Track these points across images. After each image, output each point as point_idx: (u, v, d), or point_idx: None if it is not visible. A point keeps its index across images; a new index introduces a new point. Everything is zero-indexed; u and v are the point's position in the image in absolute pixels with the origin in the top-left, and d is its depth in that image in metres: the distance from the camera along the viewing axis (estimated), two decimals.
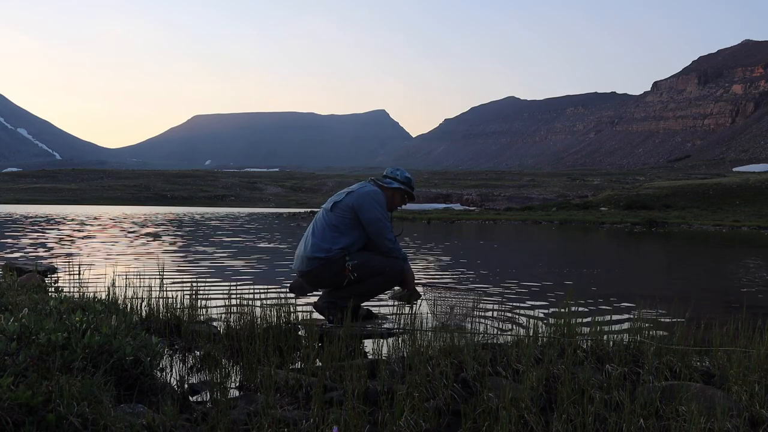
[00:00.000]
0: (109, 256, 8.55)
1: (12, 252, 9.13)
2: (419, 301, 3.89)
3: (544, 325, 3.09)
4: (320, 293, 3.95)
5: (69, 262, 7.32)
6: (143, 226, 20.30)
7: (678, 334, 2.88)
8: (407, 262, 3.79)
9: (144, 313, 3.35)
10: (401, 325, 3.57)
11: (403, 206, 4.10)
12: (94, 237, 13.50)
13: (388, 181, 3.88)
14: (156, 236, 14.33)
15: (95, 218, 27.17)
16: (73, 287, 3.73)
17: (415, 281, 3.88)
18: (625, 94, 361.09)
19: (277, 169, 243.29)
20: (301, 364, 2.64)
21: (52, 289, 3.73)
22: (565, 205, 60.78)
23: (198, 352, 2.87)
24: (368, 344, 3.20)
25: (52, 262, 7.06)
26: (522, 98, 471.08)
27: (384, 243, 3.66)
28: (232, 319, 3.16)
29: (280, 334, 2.95)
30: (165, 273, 4.43)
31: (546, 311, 4.57)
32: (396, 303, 3.95)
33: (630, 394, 2.19)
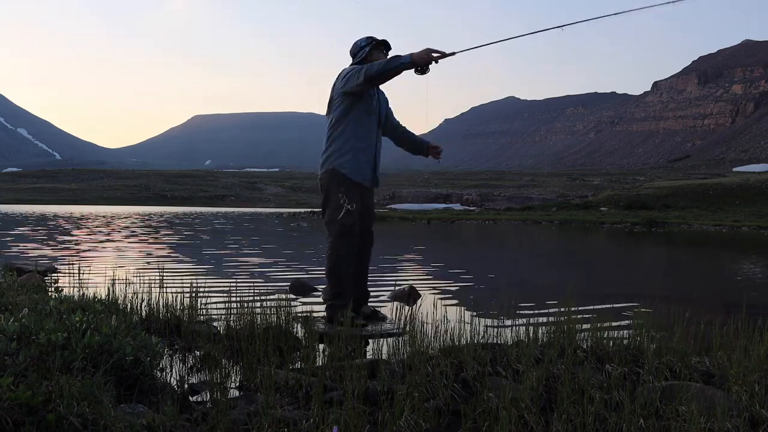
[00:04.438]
0: (109, 256, 8.55)
1: (11, 252, 9.13)
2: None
3: (544, 325, 3.09)
4: (318, 294, 3.95)
5: (69, 262, 7.32)
6: (143, 226, 20.30)
7: (678, 334, 2.88)
8: (403, 57, 3.51)
9: (144, 313, 3.34)
10: (401, 326, 3.56)
11: (388, 53, 3.92)
12: (94, 237, 13.49)
13: (358, 57, 3.85)
14: (156, 236, 14.33)
15: (90, 218, 27.18)
16: (73, 287, 3.73)
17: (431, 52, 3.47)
18: (625, 94, 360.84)
19: (277, 169, 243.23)
20: (301, 364, 2.64)
21: (52, 289, 3.72)
22: (565, 205, 60.74)
23: (198, 352, 2.87)
24: (368, 344, 3.20)
25: (52, 262, 7.06)
26: (522, 98, 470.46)
27: (373, 68, 3.56)
28: (232, 319, 3.16)
29: (280, 334, 2.95)
30: (165, 273, 4.43)
31: (546, 311, 4.57)
32: (395, 302, 3.95)
33: (630, 394, 2.19)
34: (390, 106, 4.15)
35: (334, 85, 3.87)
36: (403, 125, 4.24)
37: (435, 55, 3.47)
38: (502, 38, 3.68)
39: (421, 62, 3.47)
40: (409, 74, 3.56)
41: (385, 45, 3.89)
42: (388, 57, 3.71)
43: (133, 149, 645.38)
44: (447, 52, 3.51)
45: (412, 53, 3.51)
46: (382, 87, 3.97)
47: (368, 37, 3.88)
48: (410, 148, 4.26)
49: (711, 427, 1.89)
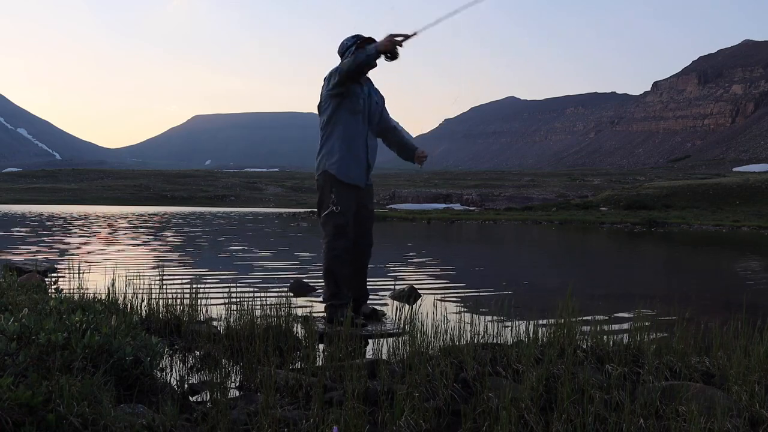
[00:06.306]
0: (109, 256, 8.55)
1: (11, 252, 9.13)
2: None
3: (544, 325, 3.09)
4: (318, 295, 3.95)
5: (69, 262, 7.31)
6: (143, 226, 20.30)
7: (678, 334, 2.88)
8: (369, 48, 3.57)
9: (144, 313, 3.34)
10: (401, 326, 3.56)
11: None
12: (94, 237, 13.49)
13: (346, 56, 3.83)
14: (156, 236, 14.33)
15: (90, 218, 27.16)
16: (73, 287, 3.73)
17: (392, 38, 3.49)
18: (625, 94, 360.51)
19: (277, 169, 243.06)
20: (301, 364, 2.64)
21: (52, 289, 3.72)
22: (565, 205, 60.69)
23: (198, 352, 2.87)
24: (368, 344, 3.20)
25: (52, 262, 7.06)
26: (522, 98, 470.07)
27: (344, 65, 3.65)
28: (232, 319, 3.16)
29: (280, 334, 2.95)
30: (165, 273, 4.43)
31: (546, 311, 4.56)
32: (395, 302, 3.95)
33: (630, 394, 2.19)
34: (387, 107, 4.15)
35: (322, 87, 3.90)
36: (399, 129, 4.21)
37: (398, 39, 3.49)
38: (458, 9, 3.57)
39: (385, 50, 3.51)
40: (412, 72, 3.58)
41: (371, 42, 3.86)
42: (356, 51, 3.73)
43: (133, 149, 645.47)
44: (409, 33, 3.51)
45: (376, 43, 3.55)
46: (378, 88, 3.99)
47: (354, 36, 3.88)
48: (399, 152, 4.23)
49: (711, 427, 1.89)
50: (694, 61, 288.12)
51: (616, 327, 3.81)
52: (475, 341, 2.87)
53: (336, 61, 3.96)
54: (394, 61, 3.56)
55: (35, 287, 3.68)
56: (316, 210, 4.00)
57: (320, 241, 3.92)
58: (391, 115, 4.21)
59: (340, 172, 3.79)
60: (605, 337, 2.94)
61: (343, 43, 3.91)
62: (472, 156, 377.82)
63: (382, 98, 4.09)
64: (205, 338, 2.92)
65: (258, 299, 3.37)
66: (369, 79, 3.98)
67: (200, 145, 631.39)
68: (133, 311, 3.29)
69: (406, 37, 3.50)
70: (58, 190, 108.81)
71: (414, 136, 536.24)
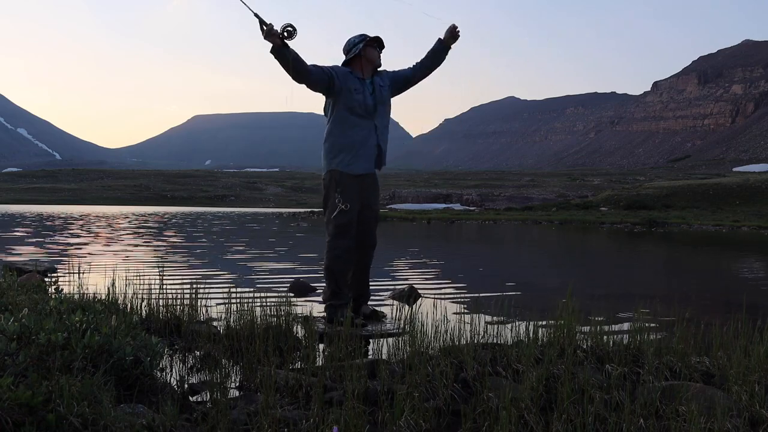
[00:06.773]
0: (109, 256, 8.55)
1: (12, 252, 9.13)
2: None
3: (544, 326, 3.09)
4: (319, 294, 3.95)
5: (69, 262, 7.31)
6: (143, 226, 20.29)
7: (678, 334, 2.88)
8: None
9: (144, 313, 3.34)
10: (401, 326, 3.56)
11: (381, 50, 3.92)
12: (94, 237, 13.49)
13: (351, 54, 3.84)
14: (156, 236, 14.33)
15: (90, 218, 27.15)
16: (73, 287, 3.73)
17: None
18: (625, 94, 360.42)
19: (277, 169, 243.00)
20: (301, 364, 2.64)
21: (52, 289, 3.72)
22: (565, 205, 60.66)
23: (198, 352, 2.87)
24: (368, 344, 3.20)
25: (52, 262, 7.05)
26: (522, 98, 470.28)
27: None
28: (232, 319, 3.16)
29: (280, 334, 2.95)
30: (165, 273, 4.43)
31: (546, 311, 4.56)
32: (395, 302, 3.94)
33: (630, 394, 2.19)
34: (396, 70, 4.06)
35: None
36: (417, 62, 4.06)
37: (264, 29, 3.47)
38: None
39: (272, 42, 3.47)
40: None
41: (378, 42, 3.88)
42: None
43: (133, 149, 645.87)
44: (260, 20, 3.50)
45: None
46: (384, 64, 3.95)
47: (361, 35, 3.88)
48: (436, 62, 4.03)
49: (711, 427, 1.89)
50: (694, 61, 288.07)
51: (616, 327, 3.81)
52: (475, 341, 2.87)
53: (340, 58, 3.97)
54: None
55: (35, 287, 3.68)
56: (314, 210, 4.01)
57: (325, 240, 3.93)
58: (391, 116, 4.16)
59: (346, 166, 3.80)
60: (605, 337, 2.94)
61: (349, 40, 3.90)
62: (472, 156, 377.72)
63: (388, 77, 3.98)
64: (205, 338, 2.92)
65: (258, 299, 3.37)
66: (377, 70, 3.94)
67: (200, 145, 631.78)
68: (133, 311, 3.29)
69: (260, 20, 3.48)
70: (58, 190, 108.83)
71: (414, 136, 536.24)
